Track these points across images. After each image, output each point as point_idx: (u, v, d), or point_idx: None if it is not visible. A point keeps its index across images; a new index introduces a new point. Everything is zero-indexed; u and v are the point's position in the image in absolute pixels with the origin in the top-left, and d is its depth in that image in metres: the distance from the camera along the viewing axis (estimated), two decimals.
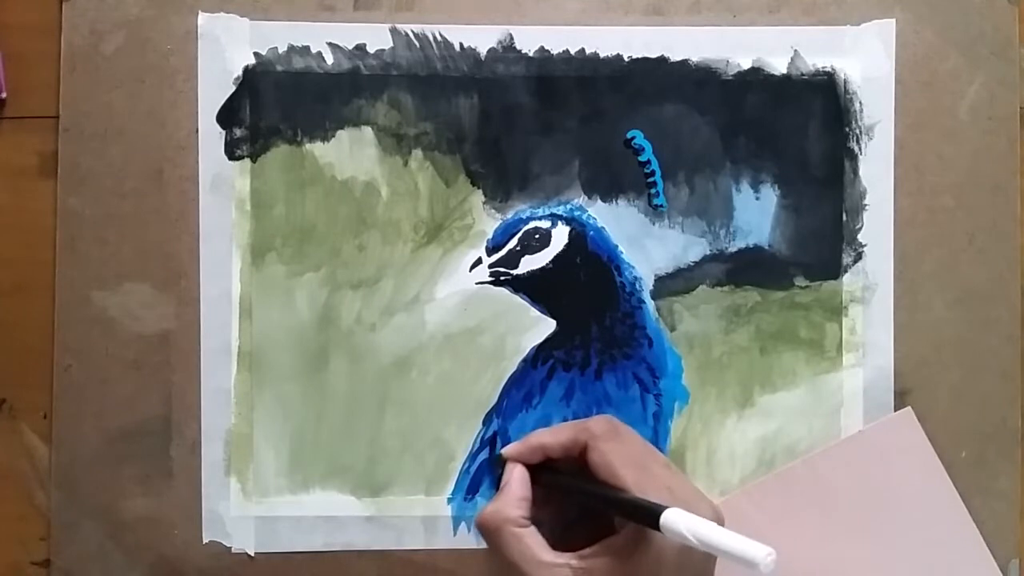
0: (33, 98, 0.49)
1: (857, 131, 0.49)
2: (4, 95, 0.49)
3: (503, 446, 0.48)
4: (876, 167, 0.49)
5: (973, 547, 0.47)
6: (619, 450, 0.42)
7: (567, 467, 0.44)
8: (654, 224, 0.49)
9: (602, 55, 0.49)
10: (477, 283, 0.49)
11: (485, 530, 0.43)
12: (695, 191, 0.49)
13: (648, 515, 0.37)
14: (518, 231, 0.49)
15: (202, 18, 0.48)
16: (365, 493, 0.49)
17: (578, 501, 0.45)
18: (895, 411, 0.48)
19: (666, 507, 0.37)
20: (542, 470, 0.45)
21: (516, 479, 0.44)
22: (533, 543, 0.41)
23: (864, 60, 0.49)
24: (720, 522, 0.39)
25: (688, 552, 0.38)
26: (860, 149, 0.49)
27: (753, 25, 0.49)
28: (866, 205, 0.49)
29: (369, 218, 0.49)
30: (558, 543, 0.42)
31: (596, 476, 0.42)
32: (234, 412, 0.48)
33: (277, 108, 0.49)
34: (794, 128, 0.49)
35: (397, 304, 0.49)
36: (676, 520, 0.36)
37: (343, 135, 0.49)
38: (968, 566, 0.48)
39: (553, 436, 0.44)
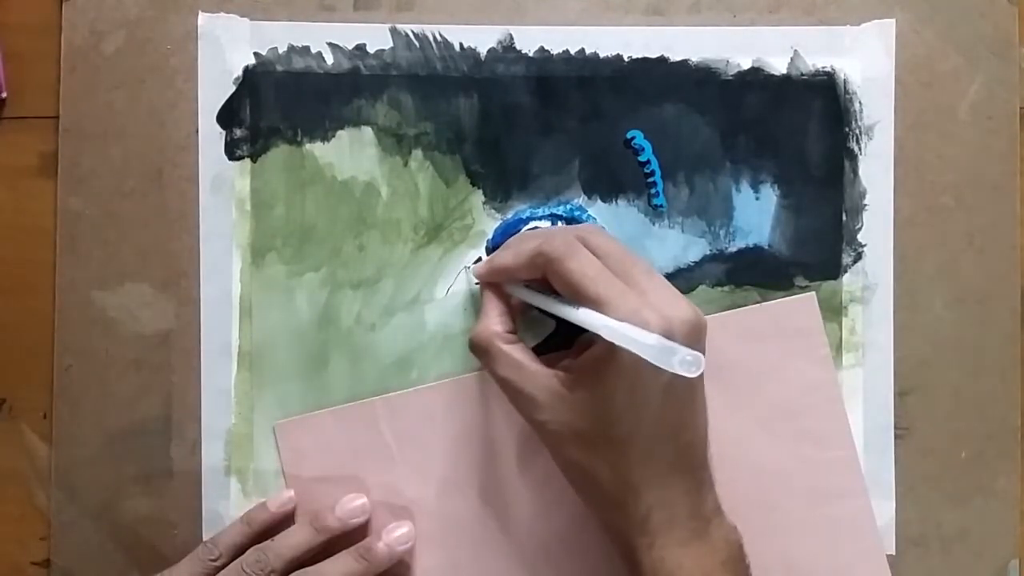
0: (33, 98, 0.49)
1: (857, 131, 0.49)
2: (4, 95, 0.49)
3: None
4: (876, 167, 0.49)
5: (841, 438, 0.47)
6: (578, 267, 0.39)
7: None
8: (654, 224, 0.49)
9: (602, 55, 0.49)
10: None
11: (477, 350, 0.42)
12: (695, 191, 0.49)
13: (604, 329, 0.37)
14: (518, 231, 0.49)
15: (202, 18, 0.48)
16: None
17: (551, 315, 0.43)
18: (894, 409, 0.48)
19: (614, 322, 0.37)
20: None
21: (489, 297, 0.44)
22: (522, 356, 0.41)
23: (864, 60, 0.49)
24: (699, 329, 0.39)
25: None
26: (860, 149, 0.49)
27: (753, 25, 0.49)
28: (866, 205, 0.49)
29: (369, 218, 0.49)
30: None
31: (562, 295, 0.41)
32: (234, 412, 0.48)
33: (277, 108, 0.49)
34: (794, 128, 0.49)
35: (397, 304, 0.49)
36: (591, 320, 0.38)
37: (343, 135, 0.49)
38: (833, 454, 0.48)
39: (514, 259, 0.42)
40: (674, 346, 0.36)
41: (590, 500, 0.42)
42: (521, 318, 0.45)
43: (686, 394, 0.40)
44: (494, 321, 0.43)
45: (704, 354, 0.38)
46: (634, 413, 0.39)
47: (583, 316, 0.39)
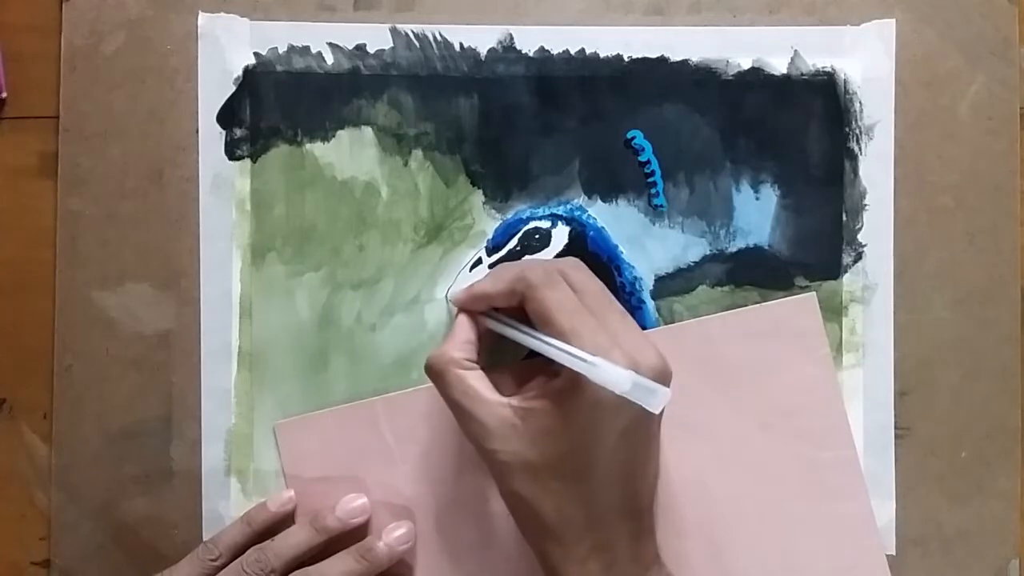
0: (33, 98, 0.49)
1: (857, 131, 0.49)
2: (4, 95, 0.49)
3: None
4: (876, 167, 0.49)
5: (841, 438, 0.47)
6: (555, 297, 0.40)
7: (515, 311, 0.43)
8: (654, 224, 0.49)
9: (602, 55, 0.49)
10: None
11: (431, 373, 0.42)
12: (695, 191, 0.49)
13: (576, 361, 0.38)
14: (518, 231, 0.49)
15: (202, 18, 0.48)
16: None
17: (522, 346, 0.43)
18: (894, 409, 0.48)
19: (588, 355, 0.37)
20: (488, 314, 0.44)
21: (460, 323, 0.43)
22: (476, 383, 0.41)
23: (864, 60, 0.49)
24: (665, 377, 0.39)
25: (627, 399, 0.37)
26: (860, 149, 0.49)
27: (753, 25, 0.49)
28: (866, 205, 0.49)
29: (369, 218, 0.49)
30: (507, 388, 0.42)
31: (536, 324, 0.41)
32: (234, 412, 0.48)
33: (277, 108, 0.49)
34: (794, 128, 0.49)
35: (397, 304, 0.49)
36: (564, 352, 0.38)
37: (343, 135, 0.49)
38: (833, 455, 0.47)
39: (493, 285, 0.42)
40: (649, 385, 0.36)
41: (531, 533, 0.41)
42: (493, 347, 0.44)
43: (642, 440, 0.40)
44: (455, 347, 0.42)
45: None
46: (588, 451, 0.39)
47: (556, 348, 0.39)
